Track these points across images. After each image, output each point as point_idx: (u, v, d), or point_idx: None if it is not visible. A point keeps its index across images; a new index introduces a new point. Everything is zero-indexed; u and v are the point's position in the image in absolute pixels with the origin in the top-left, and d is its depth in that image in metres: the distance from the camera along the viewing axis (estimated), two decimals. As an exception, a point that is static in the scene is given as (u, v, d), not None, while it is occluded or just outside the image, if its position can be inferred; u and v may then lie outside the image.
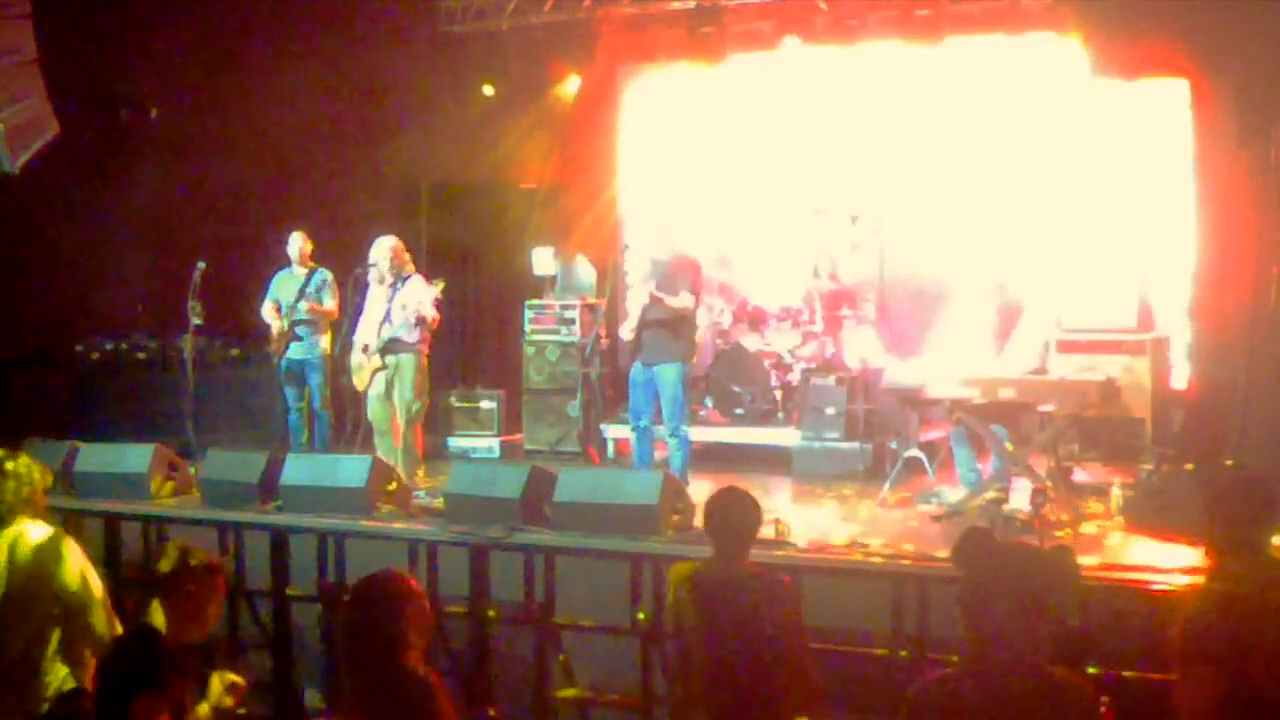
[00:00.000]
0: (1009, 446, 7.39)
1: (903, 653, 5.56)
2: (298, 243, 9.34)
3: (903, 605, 5.61)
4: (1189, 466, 6.76)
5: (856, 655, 5.68)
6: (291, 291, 9.29)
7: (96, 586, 4.70)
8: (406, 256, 8.42)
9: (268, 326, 9.35)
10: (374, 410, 8.35)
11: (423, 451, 8.64)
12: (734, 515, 4.69)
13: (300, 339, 9.19)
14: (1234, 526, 4.07)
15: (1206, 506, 4.26)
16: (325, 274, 9.26)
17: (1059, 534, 6.59)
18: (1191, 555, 5.74)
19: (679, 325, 8.01)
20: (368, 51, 11.17)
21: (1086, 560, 5.75)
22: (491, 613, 6.50)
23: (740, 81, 11.51)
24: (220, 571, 4.40)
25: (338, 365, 8.81)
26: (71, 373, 10.42)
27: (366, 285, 8.43)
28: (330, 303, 9.20)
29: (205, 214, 10.50)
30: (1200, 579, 4.53)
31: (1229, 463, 6.92)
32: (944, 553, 6.07)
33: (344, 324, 8.72)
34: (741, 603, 4.49)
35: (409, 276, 8.32)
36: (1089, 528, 6.76)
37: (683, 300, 7.94)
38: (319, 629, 6.89)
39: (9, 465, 4.72)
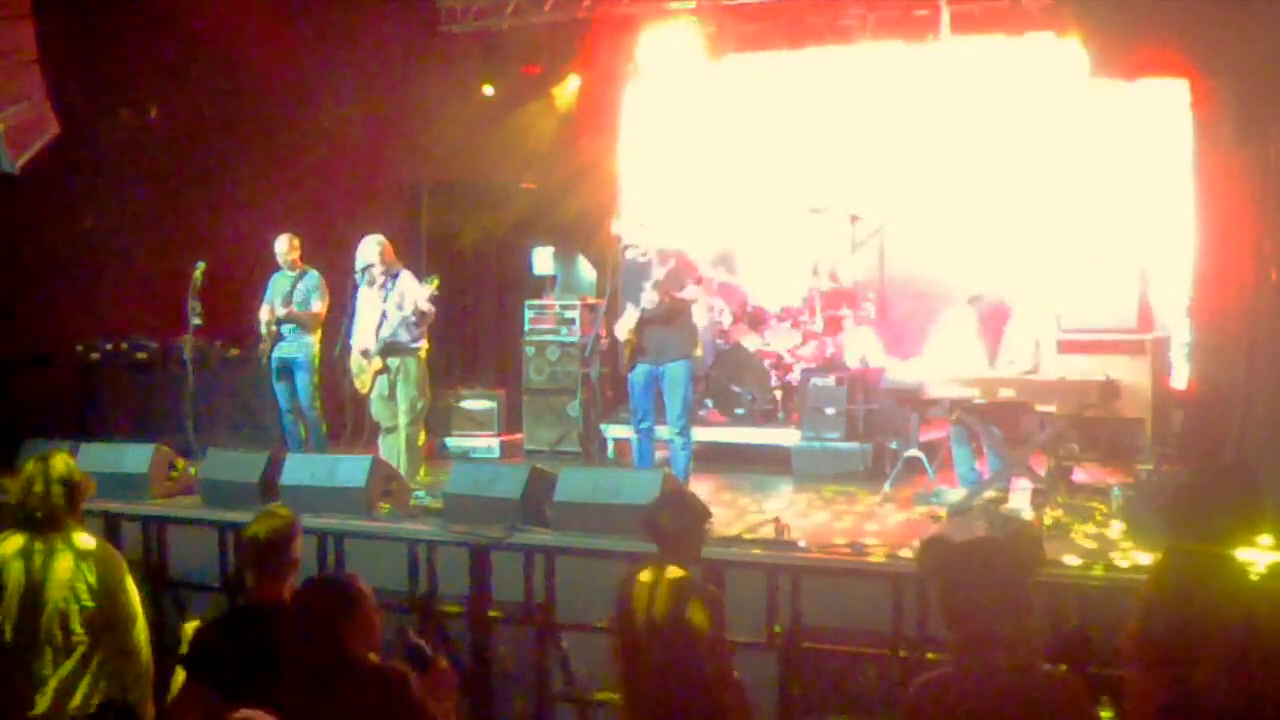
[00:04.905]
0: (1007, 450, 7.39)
1: (902, 653, 5.56)
2: (282, 246, 9.21)
3: (902, 605, 5.61)
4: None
5: (856, 655, 5.69)
6: (282, 293, 9.27)
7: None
8: (393, 254, 8.42)
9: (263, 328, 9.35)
10: (378, 411, 8.38)
11: (424, 451, 8.64)
12: (669, 521, 4.63)
13: (284, 338, 9.12)
14: (1196, 525, 3.80)
15: (1171, 502, 4.04)
16: (315, 276, 9.20)
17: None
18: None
19: (683, 321, 8.02)
20: (368, 51, 11.17)
21: (1086, 560, 5.77)
22: (492, 613, 6.50)
23: (740, 81, 11.51)
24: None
25: (335, 366, 8.79)
26: (71, 373, 10.39)
27: (356, 288, 8.43)
28: (317, 305, 9.08)
29: (205, 214, 10.49)
30: (1151, 576, 4.31)
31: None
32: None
33: (343, 324, 8.70)
34: (671, 610, 4.40)
35: (398, 274, 8.35)
36: (1089, 528, 6.75)
37: (690, 292, 7.97)
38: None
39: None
